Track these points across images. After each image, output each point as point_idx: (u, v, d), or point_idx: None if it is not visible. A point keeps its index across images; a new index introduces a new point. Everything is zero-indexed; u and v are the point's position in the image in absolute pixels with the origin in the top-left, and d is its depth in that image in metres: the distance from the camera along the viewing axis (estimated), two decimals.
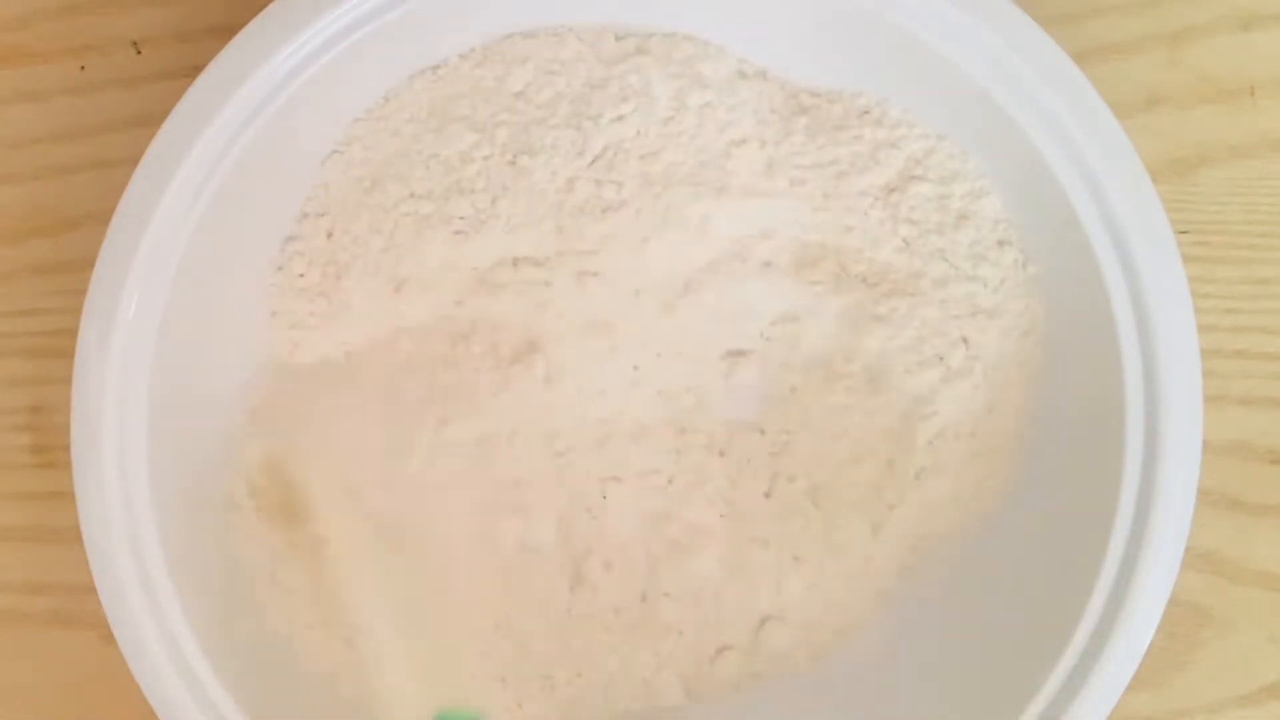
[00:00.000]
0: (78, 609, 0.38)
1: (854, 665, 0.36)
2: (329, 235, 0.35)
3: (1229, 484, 0.38)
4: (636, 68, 0.35)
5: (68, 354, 0.32)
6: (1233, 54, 0.38)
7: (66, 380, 0.32)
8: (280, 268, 0.35)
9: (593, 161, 0.35)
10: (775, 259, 0.36)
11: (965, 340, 0.36)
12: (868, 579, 0.36)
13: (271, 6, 0.32)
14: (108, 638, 0.36)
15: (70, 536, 0.32)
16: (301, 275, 0.35)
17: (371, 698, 0.34)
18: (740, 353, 0.36)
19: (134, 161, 0.32)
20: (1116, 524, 0.32)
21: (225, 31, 0.32)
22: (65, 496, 0.32)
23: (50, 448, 0.38)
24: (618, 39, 0.35)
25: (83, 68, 0.38)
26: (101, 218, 0.32)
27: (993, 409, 0.36)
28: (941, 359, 0.36)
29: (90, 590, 0.32)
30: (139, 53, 0.38)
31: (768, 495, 0.36)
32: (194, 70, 0.32)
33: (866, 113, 0.35)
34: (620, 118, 0.35)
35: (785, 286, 0.36)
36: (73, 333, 0.32)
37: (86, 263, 0.32)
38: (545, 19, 0.35)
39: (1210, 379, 0.32)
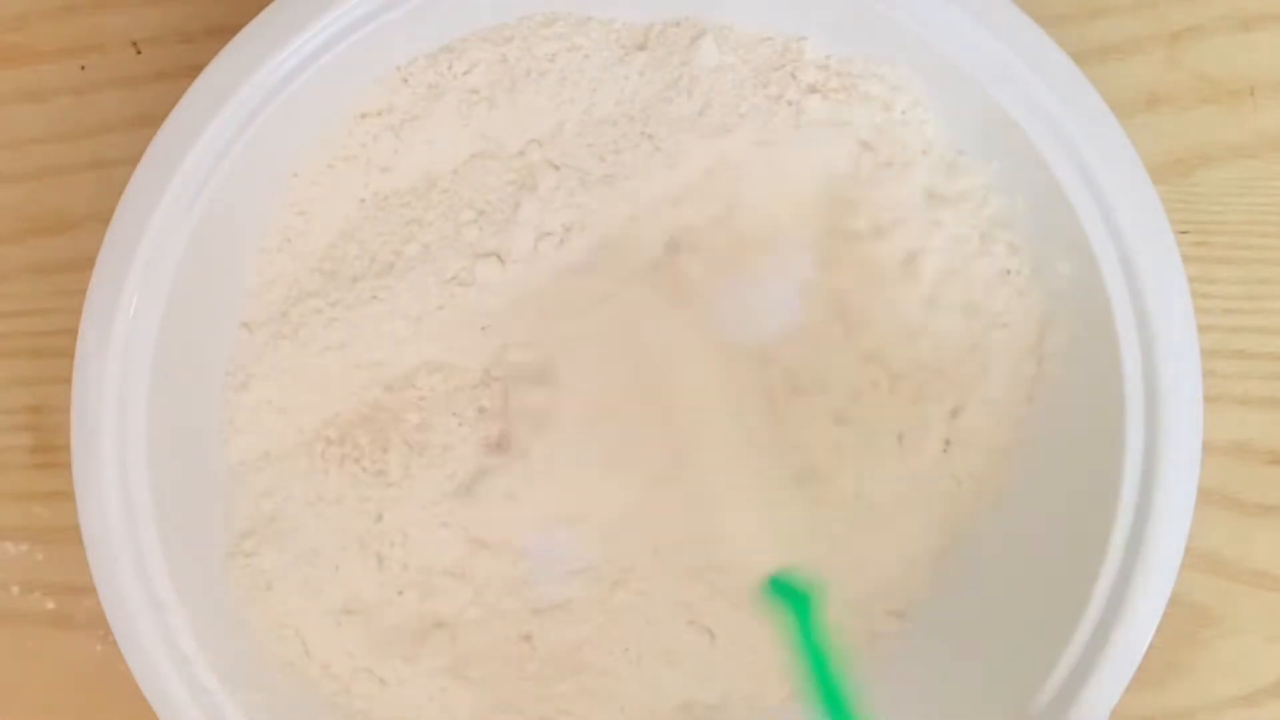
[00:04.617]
0: (78, 609, 0.38)
1: (855, 667, 0.36)
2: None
3: (1229, 484, 0.38)
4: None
5: (68, 354, 0.32)
6: (1233, 54, 0.38)
7: (66, 380, 0.32)
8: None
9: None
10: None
11: (965, 340, 0.36)
12: (873, 578, 0.36)
13: (271, 6, 0.32)
14: (108, 638, 0.36)
15: (70, 536, 0.32)
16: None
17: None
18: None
19: (134, 161, 0.31)
20: (1116, 524, 0.32)
21: (225, 31, 0.32)
22: (65, 496, 0.32)
23: (50, 448, 0.38)
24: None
25: (83, 68, 0.38)
26: (101, 218, 0.32)
27: (992, 410, 0.36)
28: (940, 360, 0.36)
29: (90, 590, 0.32)
30: (139, 53, 0.38)
31: None
32: (194, 70, 0.32)
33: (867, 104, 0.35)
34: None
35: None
36: (73, 333, 0.32)
37: (86, 263, 0.32)
38: (573, 6, 0.35)
39: (1210, 379, 0.32)
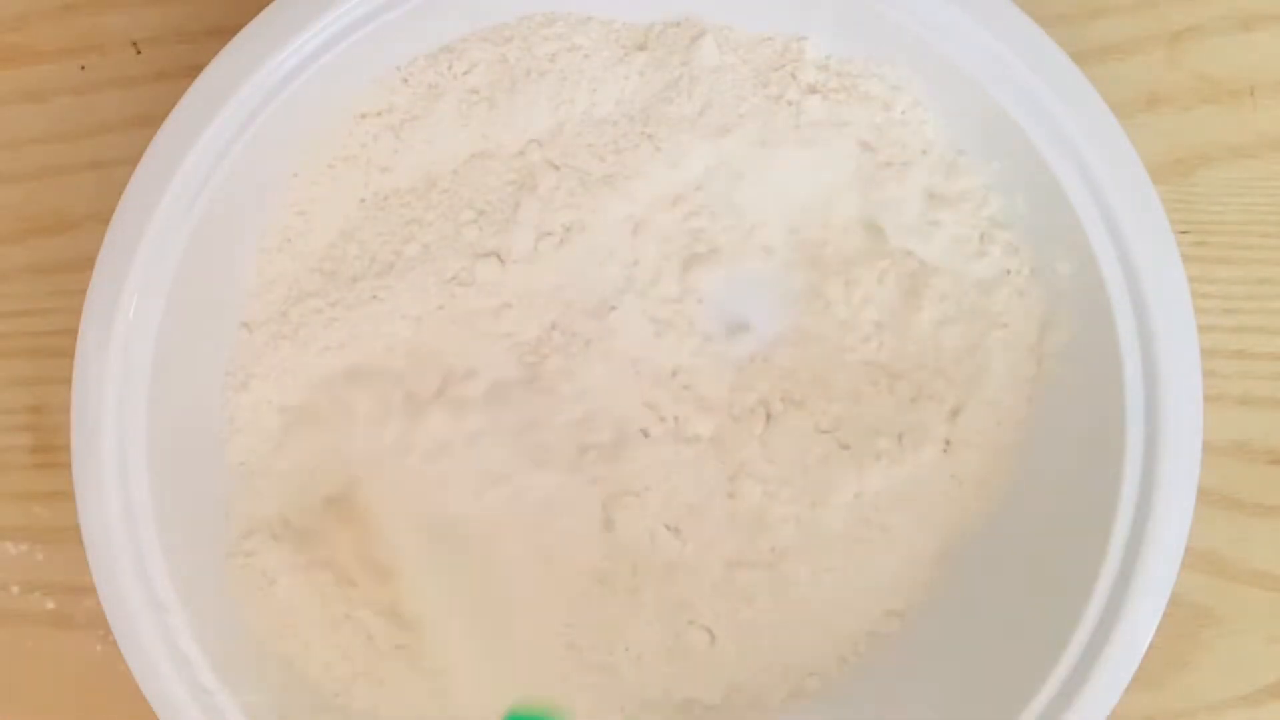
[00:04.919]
0: (78, 609, 0.38)
1: (854, 667, 0.36)
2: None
3: (1229, 484, 0.38)
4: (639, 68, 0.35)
5: (68, 354, 0.32)
6: (1233, 54, 0.38)
7: (66, 380, 0.32)
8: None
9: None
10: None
11: (965, 340, 0.36)
12: (873, 578, 0.36)
13: (271, 7, 0.32)
14: (108, 638, 0.36)
15: (70, 536, 0.32)
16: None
17: (444, 690, 0.35)
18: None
19: (134, 161, 0.31)
20: (1116, 524, 0.32)
21: (225, 32, 0.32)
22: (65, 496, 0.32)
23: (50, 448, 0.38)
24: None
25: (83, 68, 0.38)
26: (101, 218, 0.32)
27: (992, 410, 0.36)
28: (941, 360, 0.36)
29: (90, 590, 0.32)
30: (139, 53, 0.38)
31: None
32: (194, 70, 0.32)
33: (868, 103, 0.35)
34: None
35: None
36: (73, 333, 0.32)
37: (86, 263, 0.32)
38: (573, 6, 0.35)
39: (1210, 379, 0.32)
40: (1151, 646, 0.32)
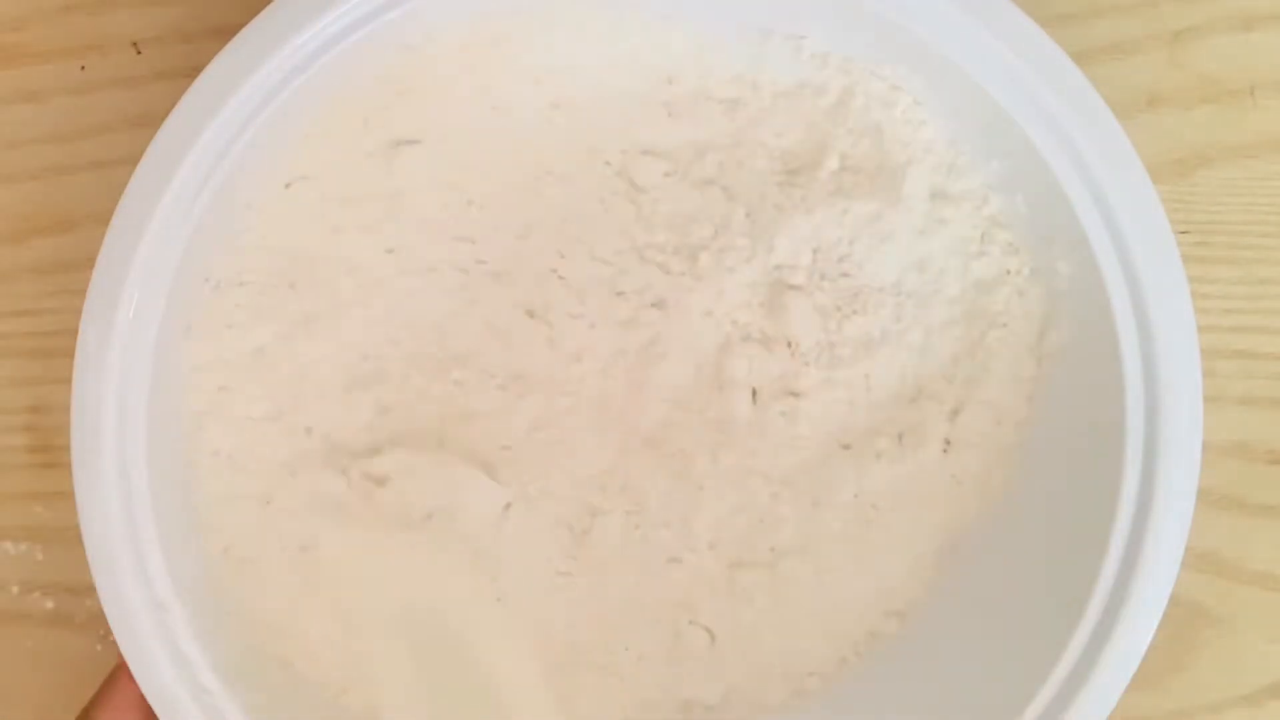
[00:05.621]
0: (78, 609, 0.38)
1: (854, 667, 0.36)
2: None
3: (1229, 484, 0.38)
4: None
5: (68, 354, 0.32)
6: (1233, 54, 0.38)
7: (66, 380, 0.32)
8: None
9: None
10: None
11: (965, 340, 0.36)
12: (873, 578, 0.36)
13: (271, 7, 0.32)
14: (108, 638, 0.36)
15: (70, 536, 0.32)
16: None
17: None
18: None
19: (134, 161, 0.31)
20: (1116, 524, 0.32)
21: (225, 31, 0.32)
22: (65, 496, 0.32)
23: (50, 448, 0.38)
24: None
25: (83, 68, 0.38)
26: (101, 218, 0.32)
27: (992, 410, 0.36)
28: (941, 360, 0.36)
29: (90, 590, 0.32)
30: (139, 53, 0.38)
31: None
32: (194, 70, 0.32)
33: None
34: None
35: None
36: (73, 333, 0.32)
37: (86, 263, 0.32)
38: None
39: (1210, 379, 0.32)
40: (1151, 646, 0.32)
